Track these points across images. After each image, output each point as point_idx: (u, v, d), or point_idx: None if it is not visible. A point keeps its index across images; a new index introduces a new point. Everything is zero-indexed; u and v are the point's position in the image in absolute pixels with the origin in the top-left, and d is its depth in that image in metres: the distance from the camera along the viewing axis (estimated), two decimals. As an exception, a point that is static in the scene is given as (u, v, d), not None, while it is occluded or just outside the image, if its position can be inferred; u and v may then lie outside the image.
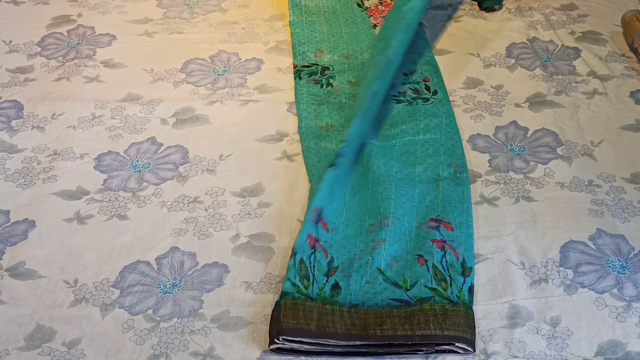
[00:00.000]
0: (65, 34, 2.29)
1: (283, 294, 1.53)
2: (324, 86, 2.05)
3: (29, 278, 1.61)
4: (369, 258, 1.59)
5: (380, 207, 1.68)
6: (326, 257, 1.61)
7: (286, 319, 1.48)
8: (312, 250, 1.61)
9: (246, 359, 1.47)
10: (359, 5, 2.35)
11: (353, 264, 1.60)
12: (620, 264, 1.60)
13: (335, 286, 1.56)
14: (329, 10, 2.33)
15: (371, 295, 1.54)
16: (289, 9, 2.35)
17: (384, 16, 2.29)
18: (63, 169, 1.85)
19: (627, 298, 1.54)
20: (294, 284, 1.55)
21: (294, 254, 1.60)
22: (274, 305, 1.52)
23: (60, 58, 2.20)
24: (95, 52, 2.22)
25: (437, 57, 2.15)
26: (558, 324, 1.50)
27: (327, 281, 1.57)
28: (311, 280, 1.57)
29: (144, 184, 1.82)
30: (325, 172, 1.74)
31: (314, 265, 1.59)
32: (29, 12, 2.38)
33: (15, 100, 2.05)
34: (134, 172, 1.84)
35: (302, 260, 1.59)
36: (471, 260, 1.59)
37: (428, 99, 1.97)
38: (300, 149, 1.89)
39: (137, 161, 1.87)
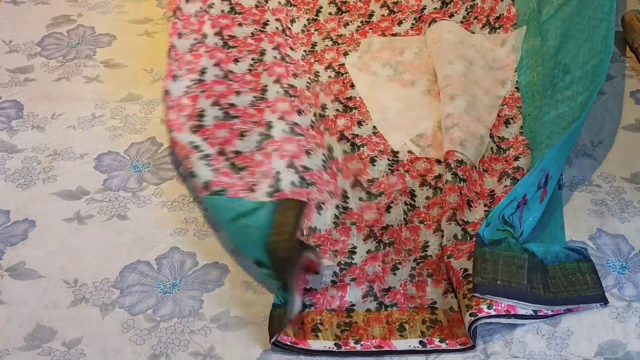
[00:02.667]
0: (65, 34, 2.29)
1: (492, 242, 1.53)
2: None
3: (29, 278, 1.61)
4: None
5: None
6: (520, 227, 1.60)
7: (490, 274, 1.48)
8: (515, 210, 1.59)
9: (246, 359, 1.48)
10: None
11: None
12: (620, 264, 1.60)
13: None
14: None
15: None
16: None
17: None
18: (63, 169, 1.85)
19: (627, 298, 1.54)
20: (503, 230, 1.55)
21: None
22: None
23: (60, 58, 2.20)
24: (95, 52, 2.21)
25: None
26: (558, 324, 1.50)
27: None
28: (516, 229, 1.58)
29: (144, 184, 1.82)
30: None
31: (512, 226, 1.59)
32: (29, 12, 2.38)
33: (15, 100, 2.05)
34: (134, 172, 1.84)
35: (504, 216, 1.58)
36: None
37: None
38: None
39: (137, 161, 1.87)
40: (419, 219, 1.71)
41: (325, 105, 1.98)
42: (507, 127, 1.89)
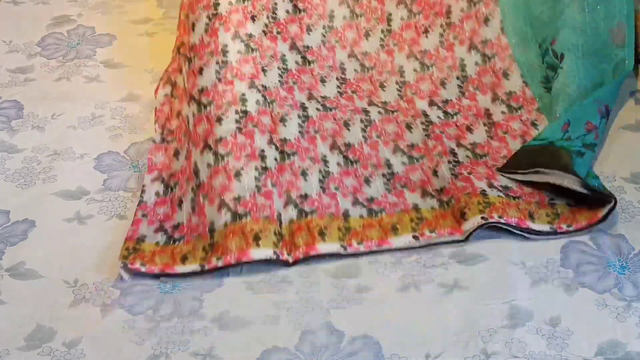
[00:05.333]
0: (65, 34, 2.29)
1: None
2: None
3: (29, 278, 1.61)
4: None
5: None
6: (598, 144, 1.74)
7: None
8: (600, 119, 1.73)
9: (246, 359, 1.48)
10: None
11: None
12: (620, 264, 1.60)
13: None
14: None
15: None
16: None
17: None
18: (63, 169, 1.85)
19: (627, 298, 1.54)
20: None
21: (567, 124, 1.69)
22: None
23: (60, 58, 2.20)
24: (95, 52, 2.22)
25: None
26: (558, 324, 1.50)
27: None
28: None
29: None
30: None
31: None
32: (29, 12, 2.38)
33: (15, 100, 2.06)
34: (134, 172, 1.84)
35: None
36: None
37: None
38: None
39: (137, 161, 1.87)
40: (376, 133, 1.80)
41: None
42: (507, 79, 1.90)
